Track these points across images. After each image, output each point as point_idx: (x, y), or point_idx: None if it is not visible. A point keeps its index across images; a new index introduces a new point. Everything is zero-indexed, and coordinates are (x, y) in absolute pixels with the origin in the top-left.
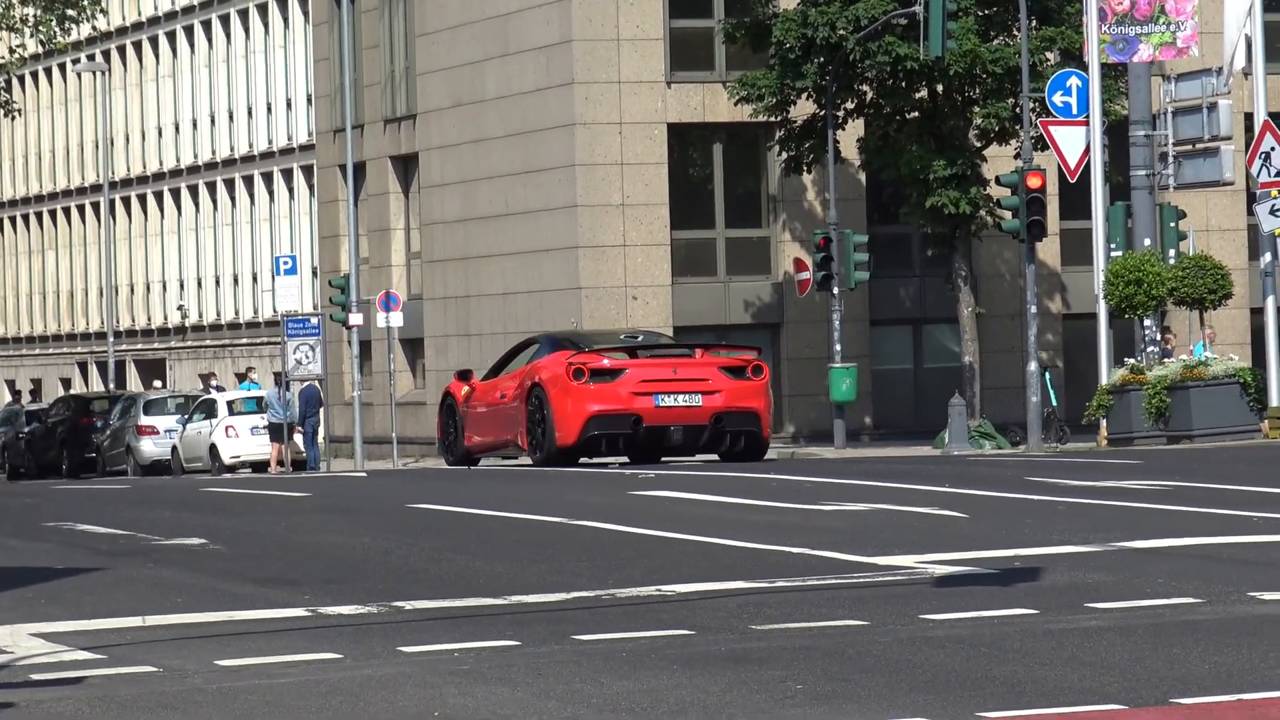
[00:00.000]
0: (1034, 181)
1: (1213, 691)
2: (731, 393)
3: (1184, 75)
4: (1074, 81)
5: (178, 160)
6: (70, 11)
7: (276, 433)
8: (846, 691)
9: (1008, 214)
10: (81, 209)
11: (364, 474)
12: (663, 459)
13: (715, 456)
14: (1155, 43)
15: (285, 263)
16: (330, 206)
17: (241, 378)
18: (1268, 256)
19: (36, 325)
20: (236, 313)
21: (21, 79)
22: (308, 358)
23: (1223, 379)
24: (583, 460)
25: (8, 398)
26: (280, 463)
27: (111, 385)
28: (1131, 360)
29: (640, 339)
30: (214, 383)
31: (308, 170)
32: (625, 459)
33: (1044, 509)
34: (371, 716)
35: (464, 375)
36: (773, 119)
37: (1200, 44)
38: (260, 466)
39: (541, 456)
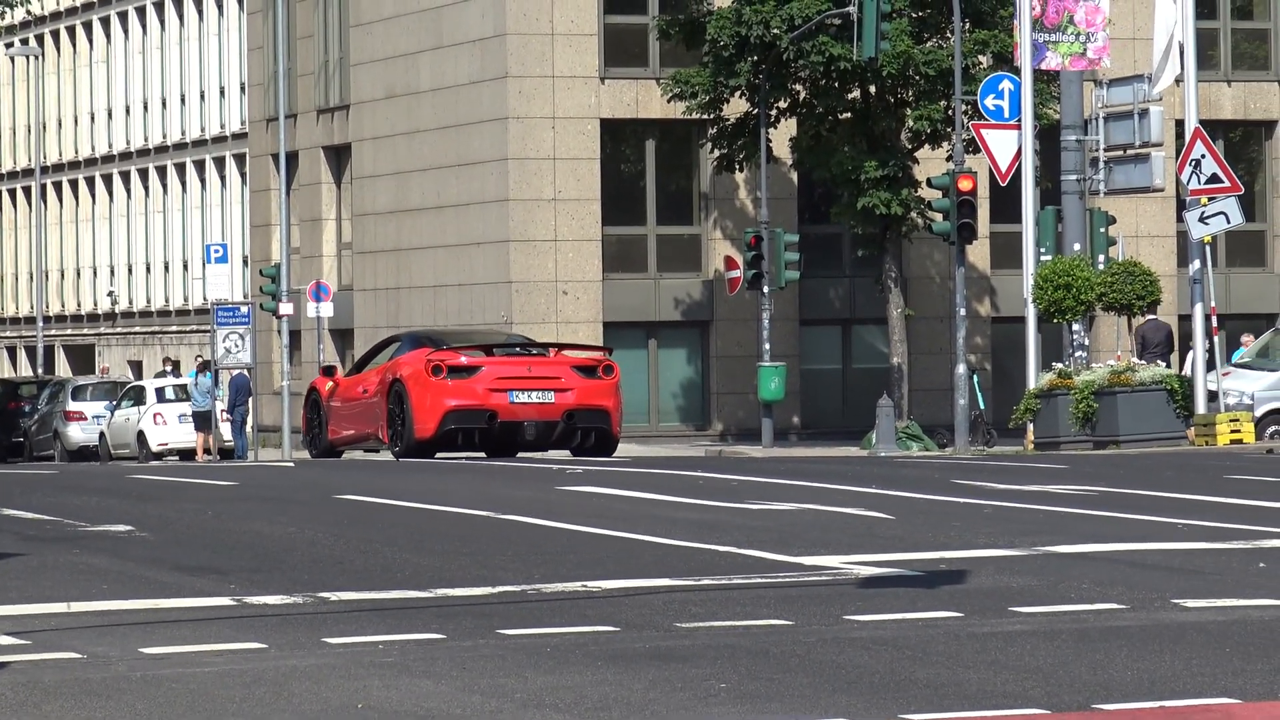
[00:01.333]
0: (965, 184)
1: (1136, 698)
2: (583, 391)
3: (1116, 81)
4: (1006, 85)
5: (110, 146)
6: None
7: (202, 421)
8: (770, 691)
9: (938, 216)
10: (13, 193)
11: (291, 464)
12: (517, 454)
13: (568, 452)
14: (1064, 52)
15: (216, 251)
16: (262, 195)
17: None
18: (1196, 263)
19: None
20: (166, 300)
21: None
22: (237, 346)
23: (1150, 385)
24: (439, 455)
25: None
26: (207, 451)
27: (40, 370)
28: (1059, 365)
29: (507, 340)
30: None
31: (240, 159)
32: (481, 454)
33: (970, 512)
34: (295, 707)
35: (328, 371)
36: (706, 116)
37: (1119, 53)
38: (188, 454)
39: (401, 449)
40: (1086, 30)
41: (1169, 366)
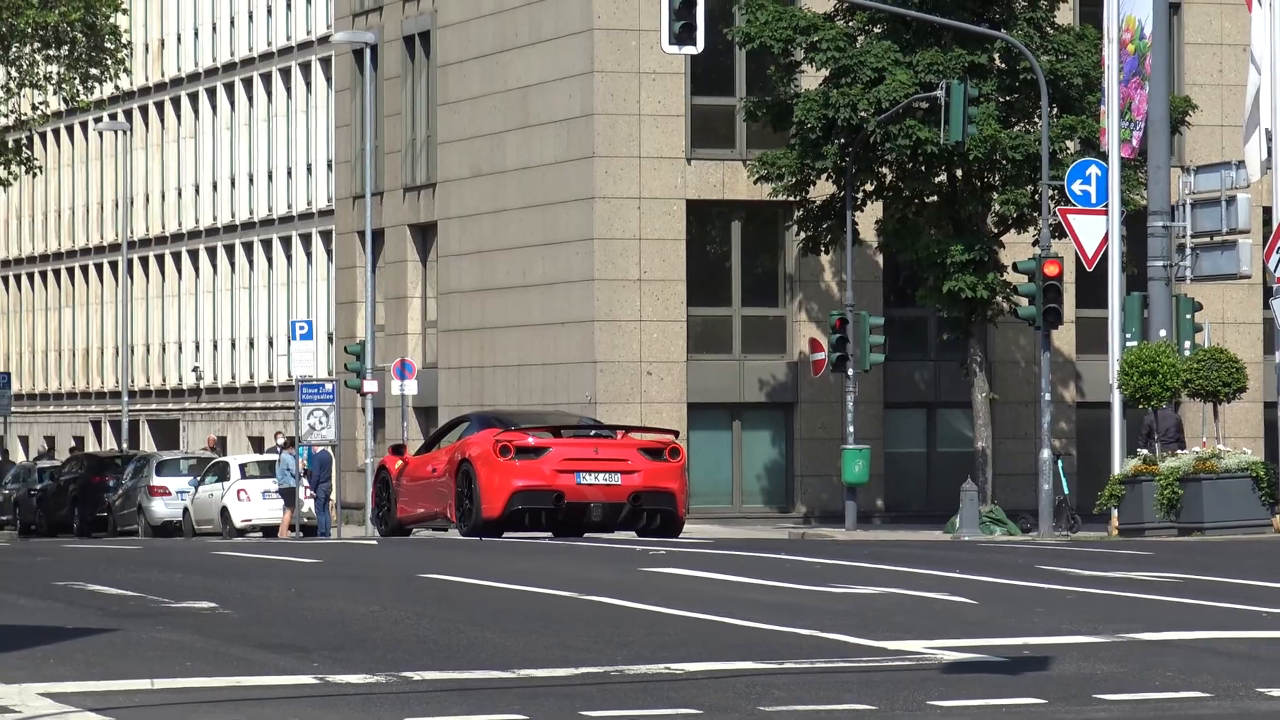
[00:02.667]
0: (1051, 269)
1: None
2: (649, 473)
3: (1204, 167)
4: (1093, 170)
5: (197, 221)
6: (94, 70)
7: (288, 498)
8: None
9: (1024, 300)
10: (100, 268)
11: (375, 541)
12: (584, 535)
13: (634, 534)
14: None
15: (301, 327)
16: (348, 273)
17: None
18: None
19: (51, 383)
20: (251, 376)
21: (44, 136)
22: (321, 423)
23: (1235, 472)
24: (506, 534)
25: (21, 455)
26: (291, 528)
27: (125, 445)
28: (1144, 451)
29: (575, 422)
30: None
31: (326, 236)
32: (548, 534)
33: (1054, 598)
34: None
35: (397, 450)
36: (792, 198)
37: (1205, 140)
38: (272, 530)
39: (469, 529)
40: (1136, 120)
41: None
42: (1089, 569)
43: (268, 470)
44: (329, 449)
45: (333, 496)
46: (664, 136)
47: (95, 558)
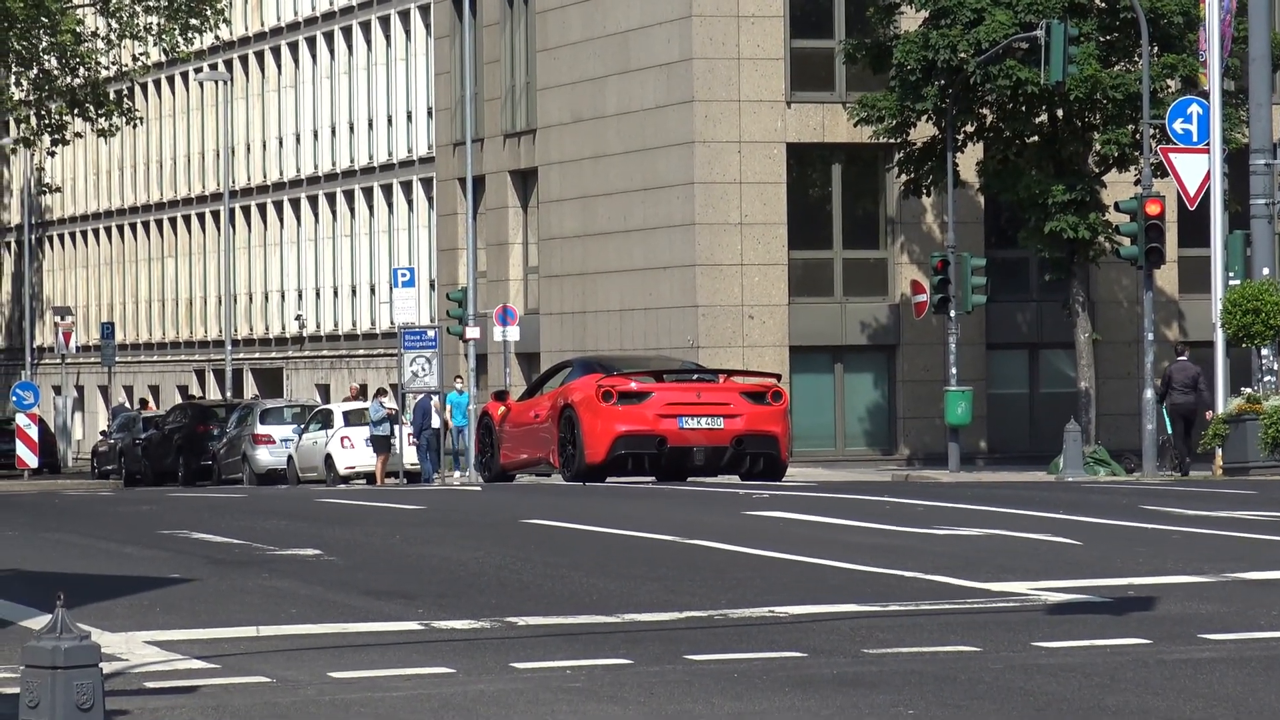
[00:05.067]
0: (1153, 208)
1: None
2: (752, 417)
3: None
4: (1194, 109)
5: (298, 170)
6: (194, 21)
7: (380, 445)
8: (959, 718)
9: (1126, 240)
10: (201, 217)
11: (478, 488)
12: (686, 479)
13: (736, 478)
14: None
15: (403, 275)
16: (449, 220)
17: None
18: None
19: (155, 332)
20: (354, 324)
21: (144, 87)
22: (424, 370)
23: None
24: (609, 479)
25: (125, 402)
26: (389, 474)
27: (229, 393)
28: (1248, 390)
29: (677, 366)
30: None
31: (427, 183)
32: (651, 478)
33: (1158, 538)
34: None
35: (500, 396)
36: (892, 141)
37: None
38: (375, 478)
39: (572, 474)
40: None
41: (1197, 405)
42: (1193, 509)
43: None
44: (432, 396)
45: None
46: (763, 80)
47: (200, 506)
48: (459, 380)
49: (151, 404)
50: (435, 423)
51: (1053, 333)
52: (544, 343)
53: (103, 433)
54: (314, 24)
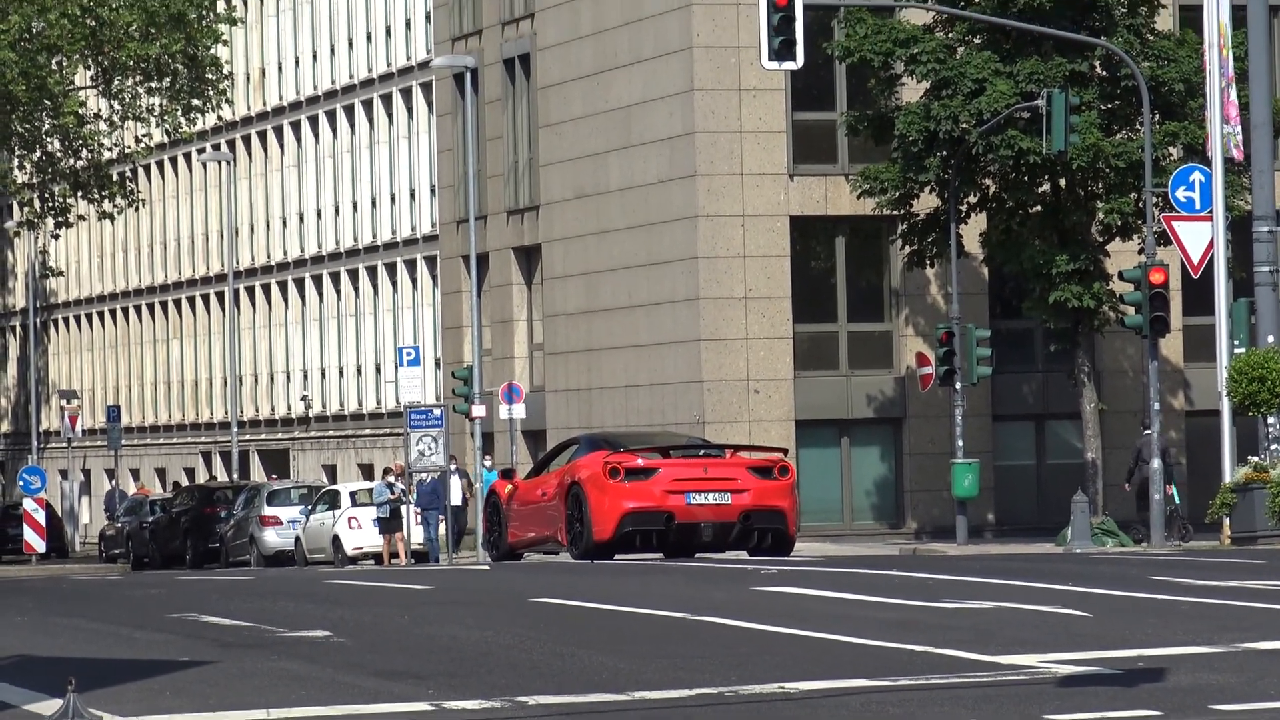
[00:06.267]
0: (1157, 277)
1: None
2: (759, 492)
3: None
4: (1197, 177)
5: (302, 250)
6: (196, 101)
7: (386, 525)
8: None
9: (1130, 309)
10: (206, 298)
11: (486, 566)
12: (695, 555)
13: (744, 553)
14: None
15: (408, 354)
16: (453, 297)
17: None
18: None
19: (161, 415)
20: (360, 404)
21: (147, 168)
22: (431, 449)
23: None
24: (618, 556)
25: (119, 486)
26: (394, 555)
27: (235, 475)
28: (1255, 458)
29: (683, 442)
30: (390, 479)
31: (431, 261)
32: (659, 555)
33: (1167, 608)
34: None
35: (507, 474)
36: (895, 212)
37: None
38: (383, 558)
39: (580, 552)
40: (1234, 126)
41: (1166, 480)
42: (1202, 579)
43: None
44: (437, 475)
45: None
46: (766, 153)
47: (208, 589)
48: (488, 458)
49: (148, 487)
50: (456, 500)
51: (1059, 403)
52: (550, 420)
53: (107, 518)
54: (315, 103)
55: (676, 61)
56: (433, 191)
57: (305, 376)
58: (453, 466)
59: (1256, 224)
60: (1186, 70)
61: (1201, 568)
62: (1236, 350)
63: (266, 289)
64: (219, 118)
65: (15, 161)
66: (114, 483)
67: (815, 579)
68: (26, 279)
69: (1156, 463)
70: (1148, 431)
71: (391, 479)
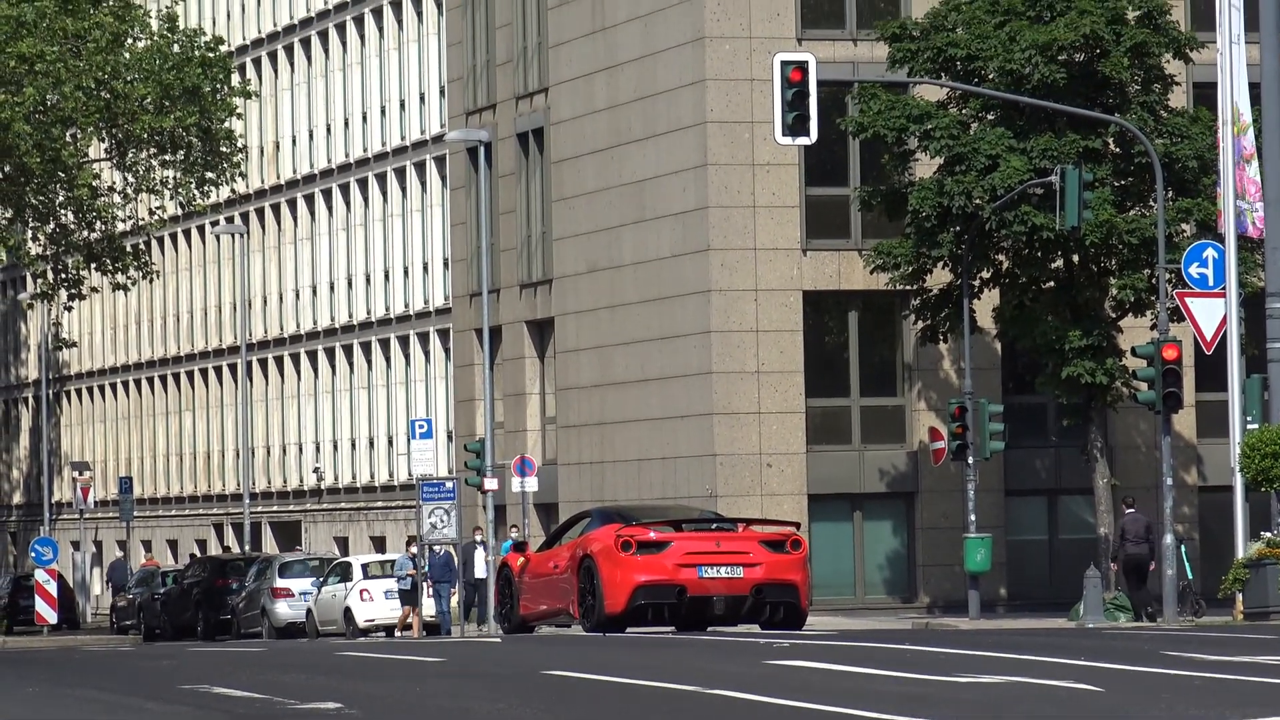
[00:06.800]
0: (1170, 353)
1: None
2: (771, 565)
3: None
4: (1210, 253)
5: (315, 322)
6: (210, 174)
7: (405, 596)
8: None
9: (1143, 385)
10: (219, 370)
11: (498, 639)
12: (707, 629)
13: (756, 626)
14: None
15: (421, 426)
16: (466, 370)
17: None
18: None
19: (173, 486)
20: (372, 476)
21: (161, 241)
22: (443, 522)
23: None
24: (629, 629)
25: (122, 558)
26: (408, 626)
27: (247, 547)
28: (1268, 534)
29: (695, 515)
30: (413, 551)
31: (444, 334)
32: (671, 628)
33: (1180, 684)
34: None
35: (519, 547)
36: (908, 287)
37: None
38: (395, 630)
39: (592, 625)
40: (1252, 202)
41: (1150, 557)
42: (1215, 654)
43: (390, 570)
44: (450, 548)
45: (455, 594)
46: (779, 228)
47: (220, 660)
48: (514, 529)
49: (155, 558)
50: (480, 572)
51: (1071, 478)
52: (562, 493)
53: (112, 590)
54: (329, 176)
55: (690, 136)
56: (446, 265)
57: (317, 449)
58: (478, 538)
59: (1270, 300)
60: (1200, 147)
61: (1215, 643)
62: (1249, 426)
63: (279, 361)
64: (233, 190)
65: (29, 233)
66: (119, 554)
67: (828, 653)
68: (39, 350)
69: (1169, 538)
70: (1130, 510)
71: (415, 551)
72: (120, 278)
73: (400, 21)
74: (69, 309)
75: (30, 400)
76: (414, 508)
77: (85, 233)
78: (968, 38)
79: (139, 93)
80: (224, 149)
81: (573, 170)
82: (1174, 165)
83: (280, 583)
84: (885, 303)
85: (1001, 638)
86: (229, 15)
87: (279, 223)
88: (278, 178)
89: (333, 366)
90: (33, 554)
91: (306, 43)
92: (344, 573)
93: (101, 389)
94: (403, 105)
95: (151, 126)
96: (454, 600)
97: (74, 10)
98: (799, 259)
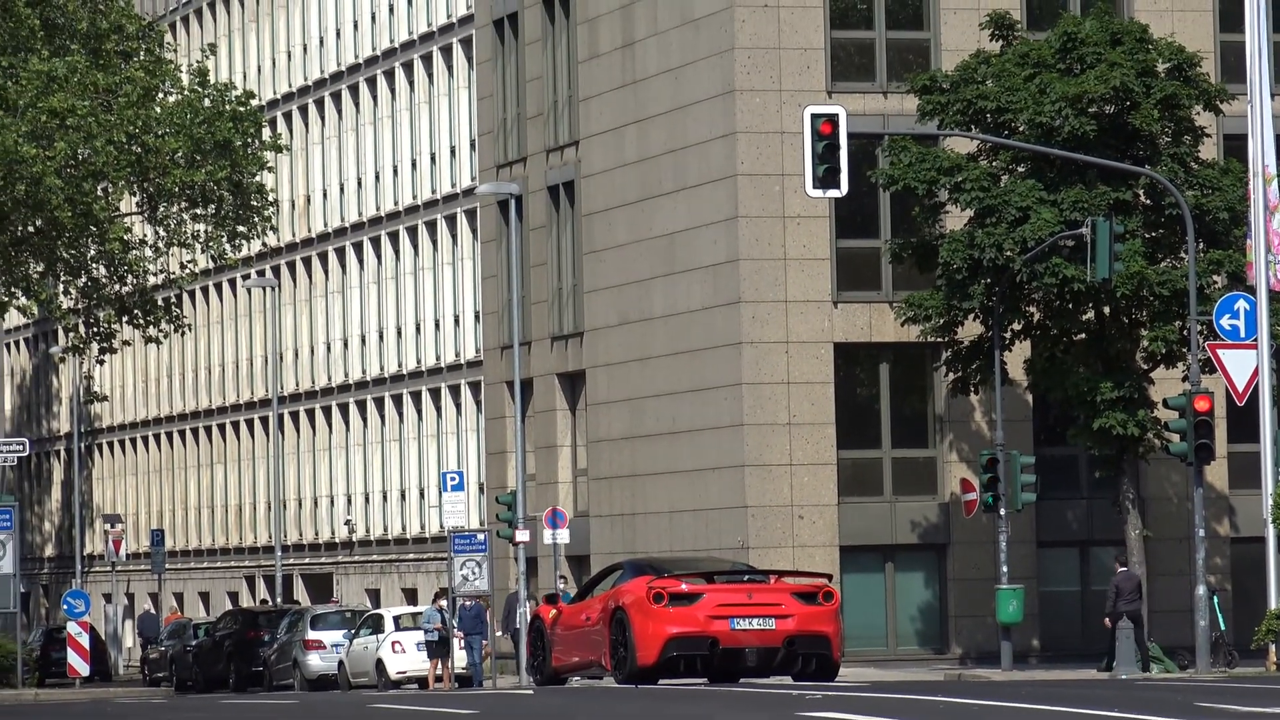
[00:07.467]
0: (1202, 405)
1: None
2: (803, 617)
3: None
4: (1241, 305)
5: (346, 375)
6: (241, 228)
7: (434, 649)
8: None
9: (1175, 437)
10: (250, 423)
11: (530, 691)
12: (739, 681)
13: (789, 678)
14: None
15: (452, 479)
16: (497, 423)
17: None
18: None
19: (205, 539)
20: (403, 528)
21: (192, 294)
22: (474, 574)
23: None
24: (661, 681)
25: (150, 609)
26: (439, 679)
27: (279, 599)
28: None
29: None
30: (443, 604)
31: (475, 386)
32: (704, 680)
33: None
34: None
35: (551, 599)
36: (940, 339)
37: None
38: (427, 683)
39: (624, 676)
40: (1276, 255)
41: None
42: (1248, 705)
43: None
44: (481, 601)
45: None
46: (810, 280)
47: (252, 713)
48: (563, 580)
49: (178, 611)
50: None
51: (1103, 530)
52: (594, 545)
53: (141, 643)
54: (360, 229)
55: (721, 189)
56: (477, 318)
57: (349, 501)
58: (516, 589)
59: None
60: (1231, 199)
61: (1249, 695)
62: None
63: (311, 414)
64: (264, 244)
65: (61, 287)
66: (146, 607)
67: (860, 704)
68: (71, 404)
69: (1202, 589)
70: (1123, 569)
71: (444, 604)
72: (152, 331)
73: (431, 75)
74: (100, 362)
75: (62, 453)
76: (445, 560)
77: (117, 286)
78: (997, 90)
79: (170, 147)
80: (255, 203)
81: (603, 223)
82: (1205, 217)
83: (312, 634)
84: (916, 354)
85: (1035, 689)
86: (260, 70)
87: (310, 276)
88: (309, 231)
89: (364, 419)
90: (65, 606)
91: (337, 96)
92: (376, 624)
93: (133, 441)
94: (433, 159)
95: (182, 181)
96: (485, 652)
97: (105, 65)
98: (830, 311)
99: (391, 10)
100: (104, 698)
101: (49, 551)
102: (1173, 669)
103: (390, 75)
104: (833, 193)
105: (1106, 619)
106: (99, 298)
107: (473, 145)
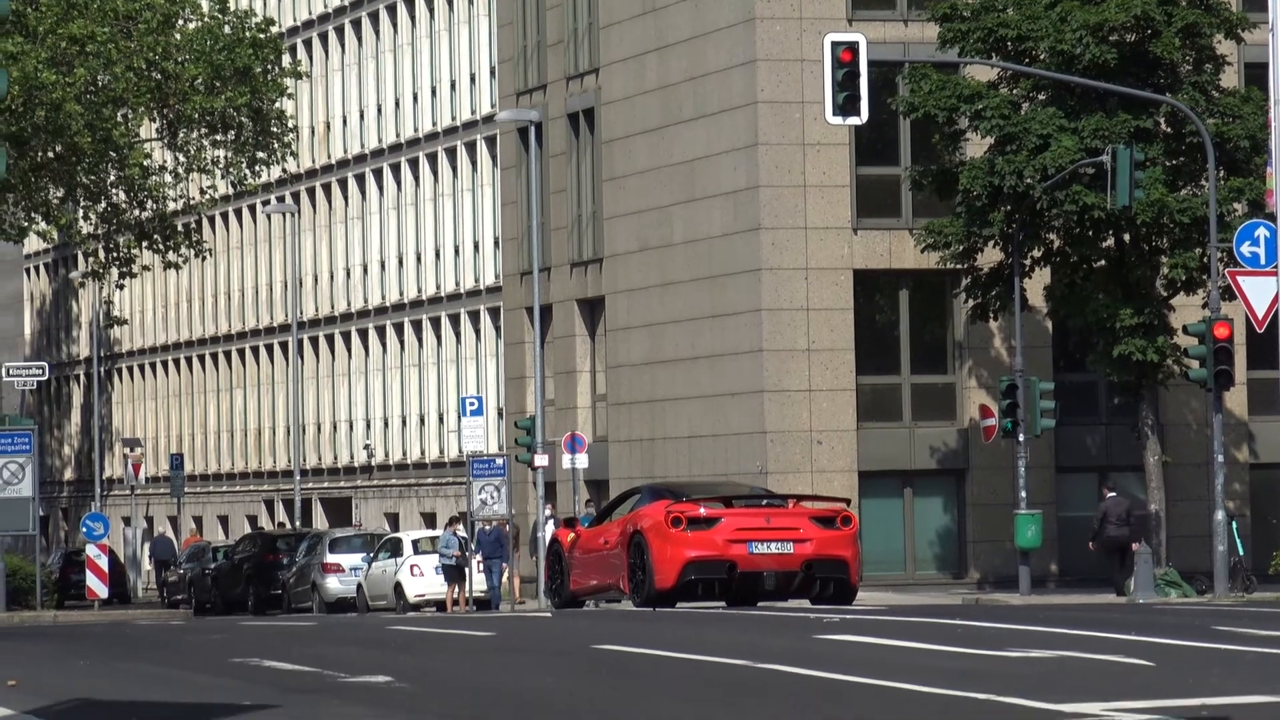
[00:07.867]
0: (1221, 331)
1: None
2: (821, 541)
3: None
4: (1261, 232)
5: (365, 301)
6: (260, 154)
7: (451, 574)
8: None
9: (1195, 363)
10: (270, 348)
11: (549, 614)
12: (757, 604)
13: (806, 602)
14: None
15: (471, 404)
16: (517, 348)
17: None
18: None
19: (224, 463)
20: (422, 453)
21: (212, 220)
22: (493, 498)
23: None
24: (680, 604)
25: (165, 532)
26: (455, 603)
27: (298, 523)
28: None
29: (746, 492)
30: (459, 530)
31: (494, 312)
32: (721, 603)
33: (1231, 658)
34: None
35: (570, 523)
36: (959, 266)
37: None
38: (445, 605)
39: (642, 600)
40: None
41: (1132, 539)
42: (1266, 629)
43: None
44: (501, 524)
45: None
46: (829, 207)
47: (269, 634)
48: (589, 504)
49: (197, 534)
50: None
51: (1122, 455)
52: (613, 470)
53: (153, 565)
54: (380, 156)
55: (741, 116)
56: (496, 244)
57: (368, 426)
58: (548, 513)
59: None
60: (1252, 127)
61: (1266, 619)
62: None
63: (330, 339)
64: (284, 170)
65: (81, 212)
66: (161, 530)
67: (877, 628)
68: (91, 328)
69: (1220, 514)
70: (1112, 493)
71: (460, 529)
72: (172, 256)
73: (451, 2)
74: (120, 287)
75: (81, 377)
76: (464, 484)
77: (136, 212)
78: (1018, 18)
79: (190, 73)
80: (275, 129)
81: (623, 150)
82: (1225, 145)
83: (331, 558)
84: (936, 281)
85: (1052, 613)
86: None
87: (330, 202)
88: (329, 157)
89: (383, 344)
90: (84, 529)
91: (357, 24)
92: (394, 548)
93: (153, 366)
94: (453, 85)
95: (202, 107)
96: (504, 575)
97: None
98: (850, 238)
99: None
100: (123, 620)
101: (68, 475)
102: (1191, 593)
103: (410, 2)
104: (853, 120)
105: (1090, 543)
106: (119, 223)
107: (493, 72)
